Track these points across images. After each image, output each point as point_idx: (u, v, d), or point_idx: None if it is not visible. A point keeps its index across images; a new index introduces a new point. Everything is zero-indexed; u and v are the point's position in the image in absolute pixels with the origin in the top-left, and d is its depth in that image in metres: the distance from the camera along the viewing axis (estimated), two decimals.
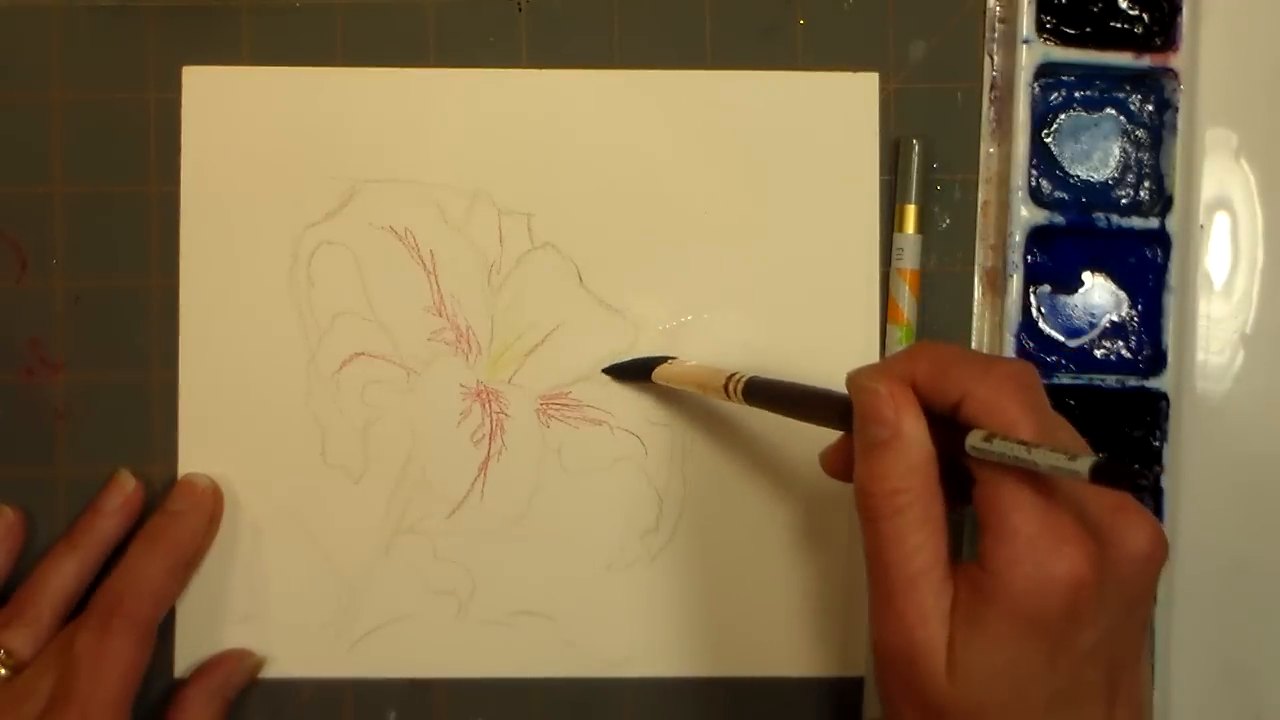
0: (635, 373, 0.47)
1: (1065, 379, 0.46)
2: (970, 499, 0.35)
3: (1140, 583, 0.35)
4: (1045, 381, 0.46)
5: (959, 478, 0.35)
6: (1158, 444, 0.46)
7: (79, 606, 0.45)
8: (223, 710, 0.45)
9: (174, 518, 0.45)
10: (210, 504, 0.46)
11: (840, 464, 0.39)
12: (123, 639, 0.42)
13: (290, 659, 0.47)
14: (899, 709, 0.35)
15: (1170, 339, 0.46)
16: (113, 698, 0.42)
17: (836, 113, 0.47)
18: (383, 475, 0.47)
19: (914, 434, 0.35)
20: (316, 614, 0.47)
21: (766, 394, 0.42)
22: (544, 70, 0.47)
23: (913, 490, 0.35)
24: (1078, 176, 0.47)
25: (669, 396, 0.47)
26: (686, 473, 0.47)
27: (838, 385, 0.47)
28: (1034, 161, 0.47)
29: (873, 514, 0.35)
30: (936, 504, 0.35)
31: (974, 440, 0.34)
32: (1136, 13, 0.46)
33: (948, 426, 0.35)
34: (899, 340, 0.46)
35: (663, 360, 0.46)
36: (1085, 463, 0.31)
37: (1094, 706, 0.34)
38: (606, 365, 0.47)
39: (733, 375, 0.43)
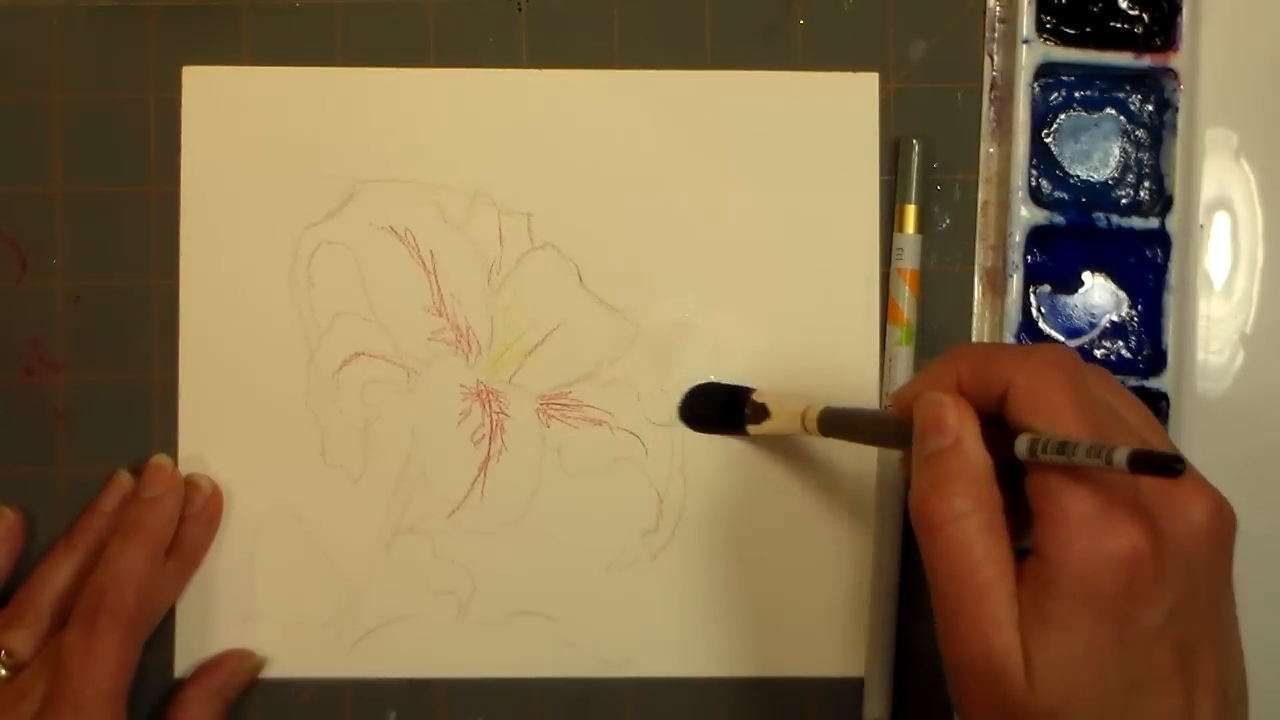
0: (716, 418, 0.46)
1: None
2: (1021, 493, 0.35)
3: (1203, 557, 0.34)
4: None
5: (1009, 471, 0.35)
6: None
7: None
8: (223, 710, 0.46)
9: (148, 505, 0.45)
10: (181, 484, 0.46)
11: None
12: (109, 635, 0.42)
13: (290, 659, 0.47)
14: None
15: (1170, 339, 0.46)
16: (105, 694, 0.42)
17: (836, 113, 0.47)
18: (383, 475, 0.47)
19: (974, 440, 0.35)
20: (316, 614, 0.47)
21: (839, 424, 0.42)
22: (544, 70, 0.47)
23: (977, 497, 0.34)
24: (1078, 176, 0.47)
25: (669, 395, 0.47)
26: (686, 473, 0.47)
27: (838, 385, 0.47)
28: (1034, 161, 0.47)
29: (937, 524, 0.34)
30: (1000, 510, 0.34)
31: (1021, 448, 0.33)
32: (1136, 13, 0.46)
33: (995, 425, 0.35)
34: (899, 340, 0.46)
35: (744, 393, 0.46)
36: (1122, 455, 0.31)
37: (1171, 694, 0.34)
38: (682, 404, 0.47)
39: (805, 411, 0.43)
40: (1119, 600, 0.33)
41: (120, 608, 0.42)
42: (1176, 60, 0.46)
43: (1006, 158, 0.46)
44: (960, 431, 0.35)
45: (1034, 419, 0.34)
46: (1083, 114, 0.47)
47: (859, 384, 0.47)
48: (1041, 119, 0.47)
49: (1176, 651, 0.34)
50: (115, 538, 0.44)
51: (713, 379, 0.47)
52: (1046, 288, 0.47)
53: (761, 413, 0.45)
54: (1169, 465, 0.31)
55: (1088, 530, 0.33)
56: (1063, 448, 0.32)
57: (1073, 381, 0.34)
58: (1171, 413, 0.46)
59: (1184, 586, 0.34)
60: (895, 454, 0.46)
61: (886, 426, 0.40)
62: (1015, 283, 0.46)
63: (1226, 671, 0.35)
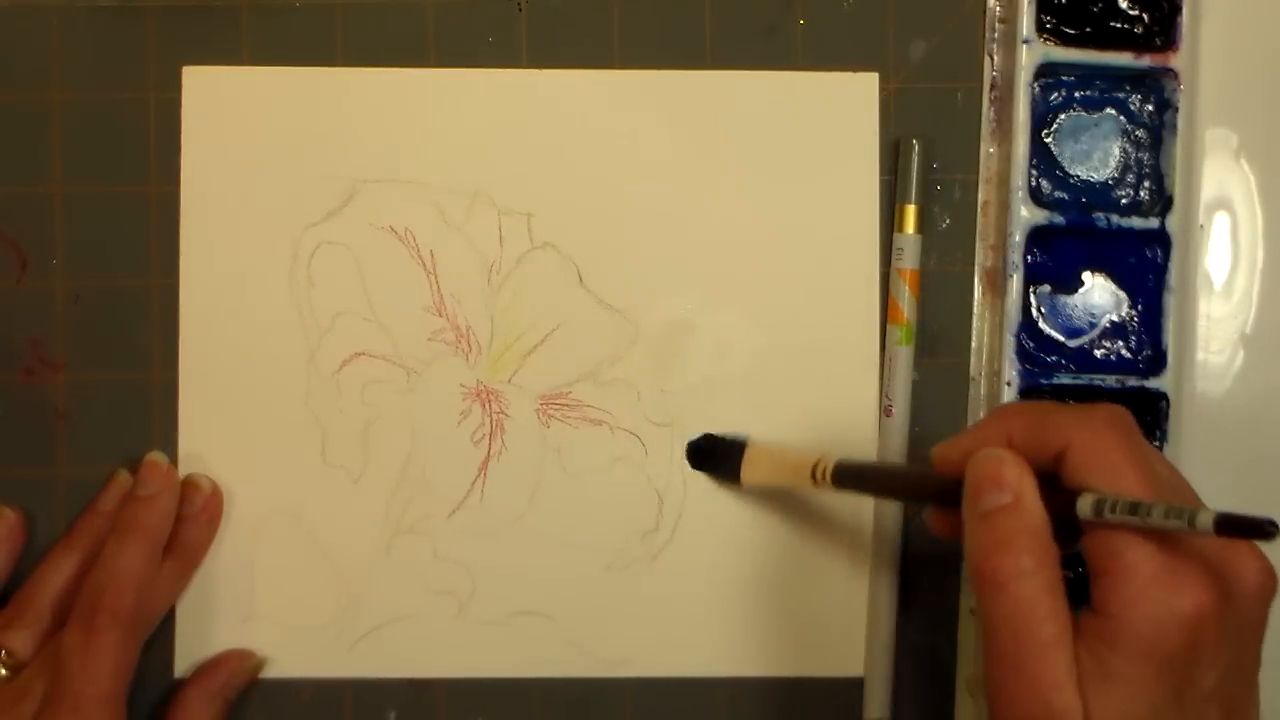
0: (714, 466, 0.46)
1: (1065, 379, 0.46)
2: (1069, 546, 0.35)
3: (1255, 617, 0.34)
4: (1045, 382, 0.46)
5: (1060, 526, 0.35)
6: (1158, 444, 0.46)
7: None
8: (223, 710, 0.46)
9: (144, 503, 0.45)
10: (177, 480, 0.46)
11: (950, 526, 0.38)
12: (108, 635, 0.42)
13: (290, 659, 0.47)
14: None
15: (1170, 339, 0.46)
16: (104, 694, 0.42)
17: (836, 113, 0.47)
18: (383, 475, 0.47)
19: (1034, 497, 0.35)
20: (316, 614, 0.47)
21: (857, 478, 0.42)
22: (544, 70, 0.47)
23: (1040, 555, 0.34)
24: (1078, 176, 0.47)
25: (669, 395, 0.47)
26: (686, 473, 0.47)
27: (838, 384, 0.47)
28: (1034, 161, 0.47)
29: (1001, 581, 0.34)
30: (1057, 567, 0.34)
31: (1084, 508, 0.33)
32: (1136, 13, 0.46)
33: (1049, 483, 0.35)
34: (899, 340, 0.46)
35: (739, 447, 0.46)
36: (1208, 518, 0.31)
37: None
38: (690, 452, 0.47)
39: (818, 463, 0.42)
40: (1182, 660, 0.33)
41: (118, 607, 0.42)
42: (1176, 60, 0.46)
43: (1006, 158, 0.46)
44: (1020, 488, 0.35)
45: (1096, 479, 0.34)
46: (1083, 114, 0.47)
47: (859, 384, 0.47)
48: (1041, 119, 0.47)
49: (1223, 710, 0.34)
50: (112, 537, 0.44)
51: (715, 433, 0.47)
52: (1046, 288, 0.47)
53: (757, 460, 0.45)
54: (1261, 529, 0.30)
55: (1155, 589, 0.33)
56: (1135, 509, 0.32)
57: (1132, 442, 0.34)
58: (1171, 413, 0.46)
59: (1237, 648, 0.34)
60: (899, 442, 0.46)
61: (917, 481, 0.40)
62: (1015, 283, 0.46)
63: None
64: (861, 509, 0.47)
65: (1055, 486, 0.35)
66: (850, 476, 0.42)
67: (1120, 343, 0.47)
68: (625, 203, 0.47)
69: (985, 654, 0.34)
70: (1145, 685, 0.33)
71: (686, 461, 0.47)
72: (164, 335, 0.47)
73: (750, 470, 0.45)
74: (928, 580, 0.47)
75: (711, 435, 0.47)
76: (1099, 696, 0.33)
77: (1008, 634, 0.34)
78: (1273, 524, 0.30)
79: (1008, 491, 0.35)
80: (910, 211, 0.46)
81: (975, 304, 0.47)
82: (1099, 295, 0.47)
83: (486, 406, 0.47)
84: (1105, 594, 0.33)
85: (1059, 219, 0.46)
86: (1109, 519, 0.33)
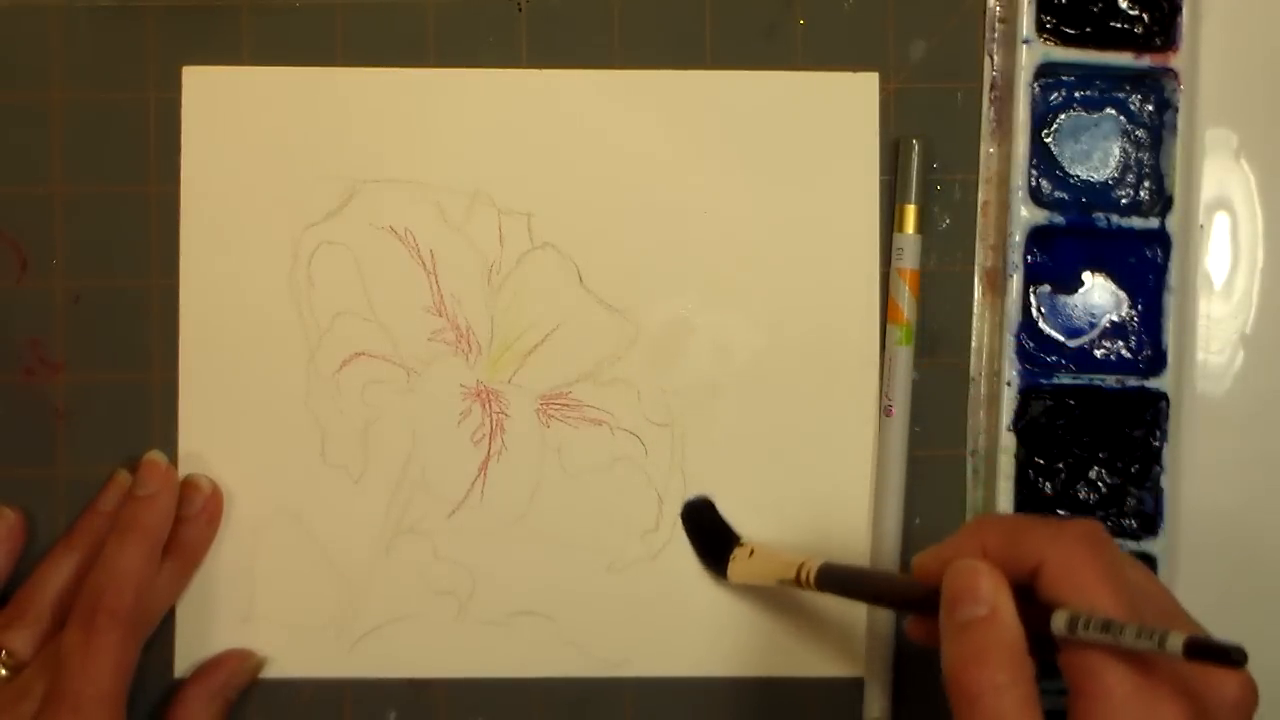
0: (703, 550, 0.47)
1: (1065, 379, 0.46)
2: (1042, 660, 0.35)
3: None
4: (1046, 382, 0.46)
5: (1036, 640, 0.35)
6: (1158, 444, 0.46)
7: None
8: (223, 710, 0.45)
9: (143, 503, 0.45)
10: (176, 480, 0.46)
11: (930, 633, 0.38)
12: (108, 635, 0.42)
13: (290, 659, 0.47)
14: None
15: (1170, 339, 0.46)
16: (104, 694, 0.41)
17: (836, 113, 0.47)
18: (383, 475, 0.47)
19: (1009, 610, 0.35)
20: (316, 614, 0.47)
21: (839, 582, 0.42)
22: (544, 70, 0.47)
23: (1015, 669, 0.34)
24: (1078, 176, 0.47)
25: (669, 395, 0.47)
26: (686, 473, 0.47)
27: (838, 385, 0.47)
28: (1034, 161, 0.47)
29: (976, 694, 0.34)
30: (1033, 682, 0.34)
31: (1058, 624, 0.33)
32: (1136, 13, 0.46)
33: (1025, 597, 0.35)
34: (899, 340, 0.46)
35: (729, 540, 0.46)
36: (1178, 642, 0.31)
37: None
38: (686, 512, 0.47)
39: (803, 565, 0.42)
40: None
41: (118, 607, 0.42)
42: (1176, 60, 0.46)
43: (1006, 158, 0.46)
44: (996, 601, 0.35)
45: (1069, 596, 0.34)
46: (1083, 114, 0.47)
47: (859, 384, 0.47)
48: (1041, 119, 0.47)
49: None
50: (112, 537, 0.44)
51: (715, 503, 0.47)
52: (1046, 288, 0.47)
53: (744, 560, 0.45)
54: (1229, 655, 0.31)
55: (1130, 709, 0.33)
56: (1108, 627, 0.32)
57: (1105, 559, 0.34)
58: (1171, 413, 0.46)
59: None
60: (899, 442, 0.46)
61: (898, 588, 0.40)
62: (1015, 283, 0.46)
63: None
64: (862, 506, 0.47)
65: (1031, 600, 0.35)
66: (834, 580, 0.42)
67: (1120, 343, 0.47)
68: (625, 203, 0.47)
69: None
70: None
71: (680, 520, 0.47)
72: (164, 335, 0.47)
73: (737, 569, 0.45)
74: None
75: (710, 504, 0.47)
76: None
77: None
78: (1240, 651, 0.30)
79: (983, 604, 0.35)
80: (910, 211, 0.46)
81: (975, 304, 0.47)
82: (1099, 295, 0.47)
83: (486, 406, 0.47)
84: (1083, 713, 0.33)
85: (1059, 219, 0.46)
86: (1081, 636, 0.33)
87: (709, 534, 0.47)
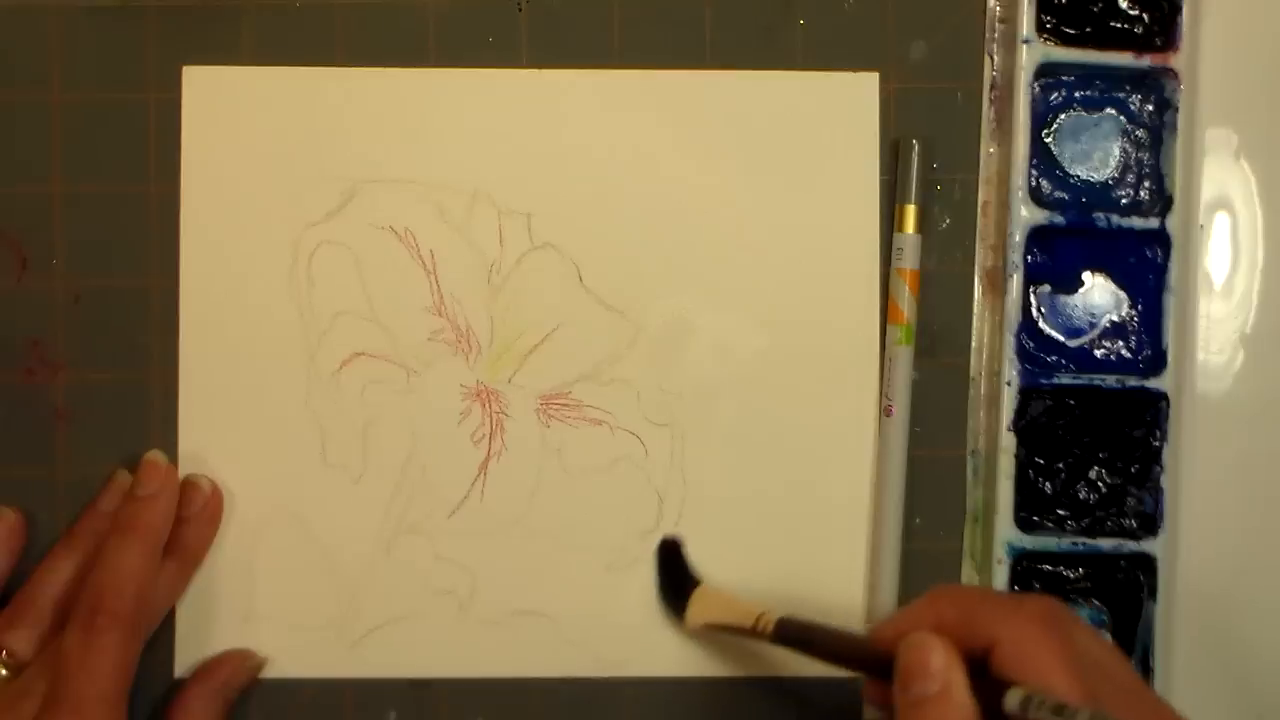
0: (666, 592, 0.46)
1: (1065, 379, 0.46)
2: None
3: None
4: (1046, 382, 0.46)
5: (991, 715, 0.35)
6: (1158, 444, 0.46)
7: None
8: (224, 710, 0.45)
9: (143, 503, 0.45)
10: (177, 479, 0.46)
11: (886, 697, 0.38)
12: (108, 635, 0.42)
13: (290, 659, 0.47)
14: None
15: (1170, 339, 0.46)
16: (105, 694, 0.41)
17: (836, 113, 0.47)
18: (383, 475, 0.47)
19: (961, 688, 0.35)
20: (316, 614, 0.47)
21: (796, 637, 0.42)
22: (544, 70, 0.47)
23: None
24: (1078, 176, 0.47)
25: (669, 395, 0.47)
26: (686, 473, 0.47)
27: (839, 385, 0.47)
28: (1034, 161, 0.47)
29: None
30: None
31: (1011, 703, 0.33)
32: (1136, 13, 0.46)
33: (979, 672, 0.35)
34: (899, 340, 0.46)
35: (690, 584, 0.46)
36: None
37: None
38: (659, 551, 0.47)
39: (761, 615, 0.42)
40: None
41: (118, 607, 0.42)
42: (1176, 60, 0.46)
43: (1006, 158, 0.46)
44: (948, 677, 0.35)
45: (1024, 674, 0.34)
46: (1083, 114, 0.47)
47: (859, 384, 0.47)
48: (1041, 119, 0.47)
49: None
50: (112, 537, 0.44)
51: (682, 548, 0.47)
52: (1046, 288, 0.47)
53: (704, 601, 0.45)
54: None
55: None
56: (1060, 710, 0.32)
57: (1060, 638, 0.34)
58: (1171, 413, 0.46)
59: None
60: (899, 442, 0.46)
61: (855, 650, 0.40)
62: (1015, 283, 0.46)
63: None
64: (861, 506, 0.47)
65: (984, 675, 0.35)
66: (791, 634, 0.42)
67: (1120, 343, 0.47)
68: (625, 203, 0.47)
69: None
70: None
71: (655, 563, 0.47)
72: (164, 335, 0.47)
73: (696, 610, 0.45)
74: (927, 581, 0.47)
75: (678, 545, 0.46)
76: None
77: None
78: None
79: (935, 681, 0.35)
80: (910, 211, 0.46)
81: (975, 304, 0.47)
82: (1099, 295, 0.47)
83: (486, 406, 0.47)
84: None
85: (1059, 219, 0.46)
86: (1034, 717, 0.33)
87: (672, 575, 0.46)
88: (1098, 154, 0.47)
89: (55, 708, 0.41)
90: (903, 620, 0.37)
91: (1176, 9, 0.46)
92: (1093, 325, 0.47)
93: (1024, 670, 0.34)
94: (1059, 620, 0.35)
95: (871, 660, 0.38)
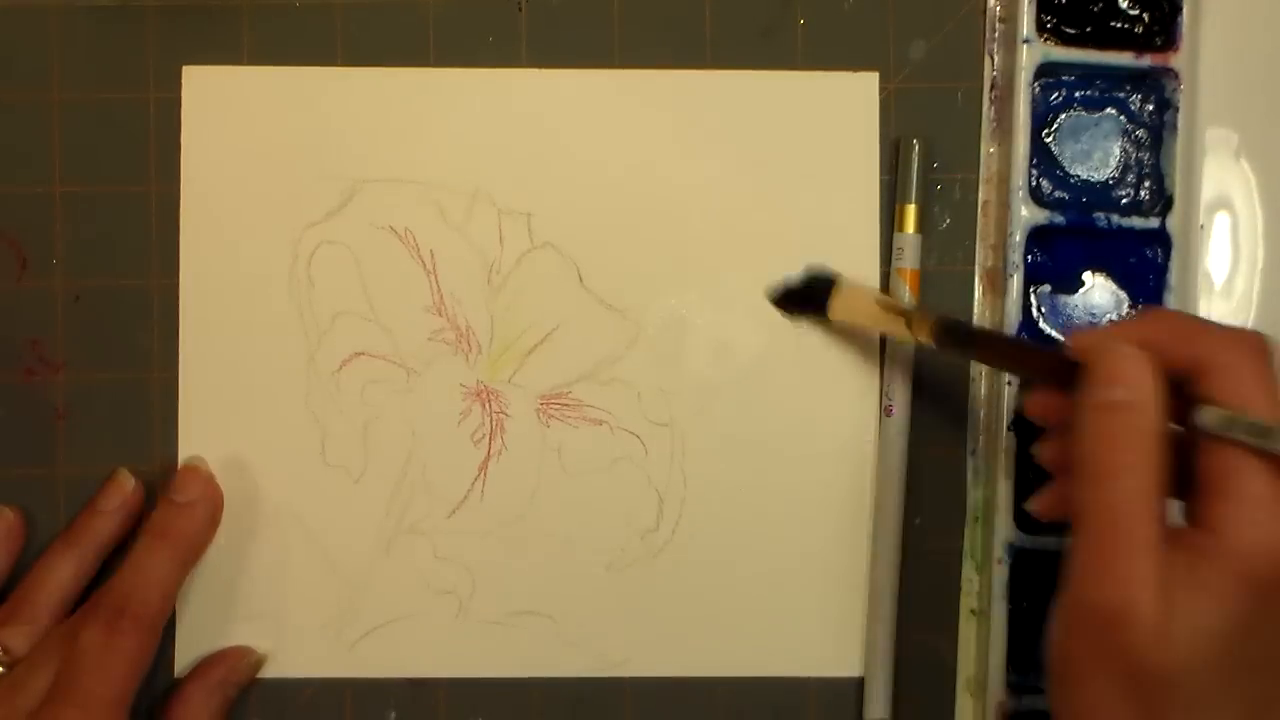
0: (802, 301, 0.46)
1: None
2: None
3: None
4: None
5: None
6: None
7: (76, 605, 0.45)
8: (223, 706, 0.45)
9: (180, 510, 0.45)
10: (216, 491, 0.46)
11: (1052, 409, 0.38)
12: (129, 638, 0.42)
13: (290, 659, 0.47)
14: (1085, 669, 0.35)
15: None
16: (114, 696, 0.41)
17: (836, 113, 0.47)
18: (383, 475, 0.47)
19: (1155, 398, 0.35)
20: (316, 614, 0.47)
21: (963, 339, 0.41)
22: (544, 70, 0.47)
23: (1149, 456, 0.34)
24: (1078, 176, 0.47)
25: (669, 395, 0.47)
26: (686, 473, 0.47)
27: (838, 384, 0.47)
28: (1034, 161, 0.47)
29: (1100, 475, 0.35)
30: (1164, 472, 0.35)
31: (1209, 418, 0.34)
32: (1136, 13, 0.46)
33: (1174, 393, 0.35)
34: (898, 340, 0.46)
35: (827, 285, 0.45)
36: None
37: None
38: (773, 294, 0.46)
39: (915, 311, 0.41)
40: (1277, 585, 0.33)
41: (144, 613, 0.43)
42: (1176, 60, 0.46)
43: (1006, 157, 0.46)
44: (1145, 386, 0.35)
45: (1228, 398, 0.34)
46: (1083, 114, 0.47)
47: (859, 384, 0.47)
48: (1041, 119, 0.47)
49: None
50: (144, 538, 0.44)
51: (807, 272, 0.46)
52: (1047, 287, 0.47)
53: (848, 297, 0.44)
54: None
55: (1264, 513, 0.33)
56: (1262, 431, 0.33)
57: (1267, 371, 0.35)
58: None
59: None
60: (899, 442, 0.46)
61: (1034, 355, 0.40)
62: (1015, 283, 0.46)
63: None
64: (862, 508, 0.47)
65: (1180, 396, 0.35)
66: (955, 336, 0.41)
67: None
68: (625, 203, 0.47)
69: (1075, 539, 0.35)
70: (1235, 601, 0.33)
71: (774, 305, 0.46)
72: (164, 335, 0.47)
73: (840, 307, 0.45)
74: (928, 580, 0.47)
75: (813, 273, 0.46)
76: (1184, 604, 0.33)
77: (1103, 526, 0.34)
78: None
79: (1135, 390, 0.35)
80: (910, 211, 0.46)
81: (975, 304, 0.47)
82: (1099, 295, 0.47)
83: (486, 406, 0.47)
84: (1213, 510, 0.34)
85: (1059, 219, 0.46)
86: (1232, 436, 0.33)
87: (808, 292, 0.46)
88: (1098, 154, 0.47)
89: (62, 700, 0.41)
90: (1110, 332, 0.37)
91: (1176, 9, 0.46)
92: (1093, 325, 0.47)
93: (1229, 393, 0.34)
94: (1267, 352, 0.35)
95: (1054, 366, 0.38)
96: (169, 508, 0.45)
